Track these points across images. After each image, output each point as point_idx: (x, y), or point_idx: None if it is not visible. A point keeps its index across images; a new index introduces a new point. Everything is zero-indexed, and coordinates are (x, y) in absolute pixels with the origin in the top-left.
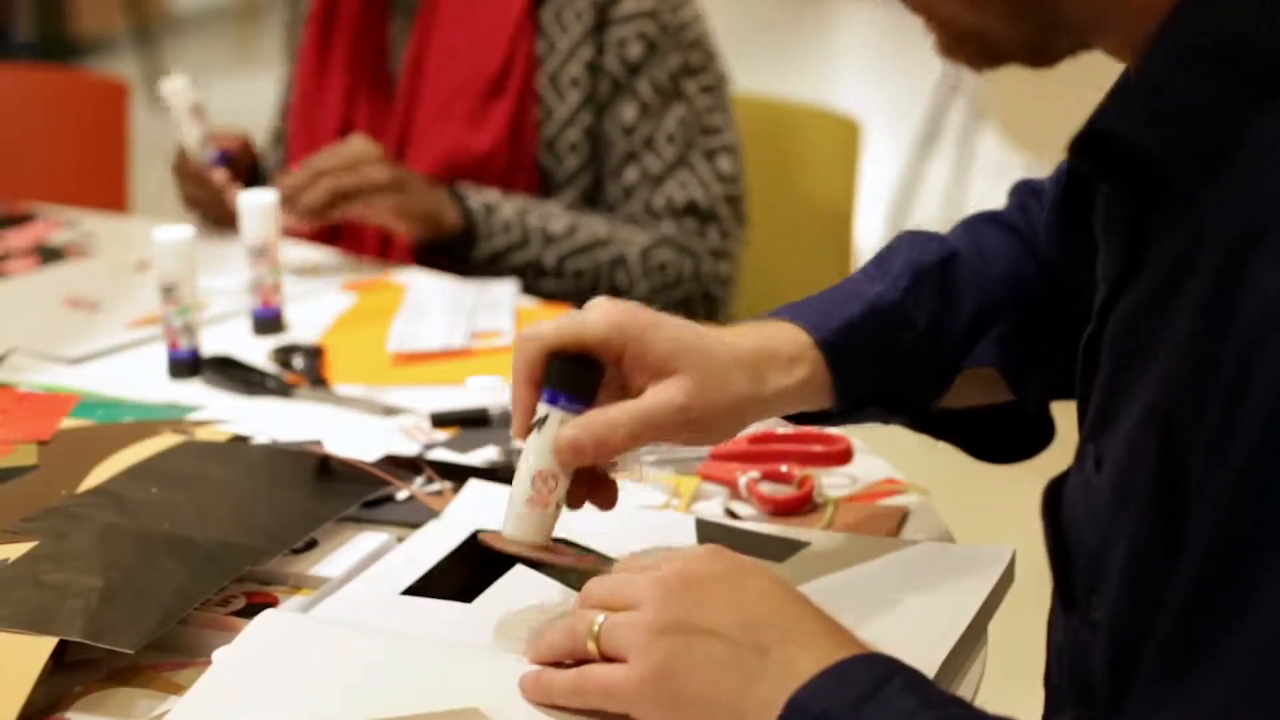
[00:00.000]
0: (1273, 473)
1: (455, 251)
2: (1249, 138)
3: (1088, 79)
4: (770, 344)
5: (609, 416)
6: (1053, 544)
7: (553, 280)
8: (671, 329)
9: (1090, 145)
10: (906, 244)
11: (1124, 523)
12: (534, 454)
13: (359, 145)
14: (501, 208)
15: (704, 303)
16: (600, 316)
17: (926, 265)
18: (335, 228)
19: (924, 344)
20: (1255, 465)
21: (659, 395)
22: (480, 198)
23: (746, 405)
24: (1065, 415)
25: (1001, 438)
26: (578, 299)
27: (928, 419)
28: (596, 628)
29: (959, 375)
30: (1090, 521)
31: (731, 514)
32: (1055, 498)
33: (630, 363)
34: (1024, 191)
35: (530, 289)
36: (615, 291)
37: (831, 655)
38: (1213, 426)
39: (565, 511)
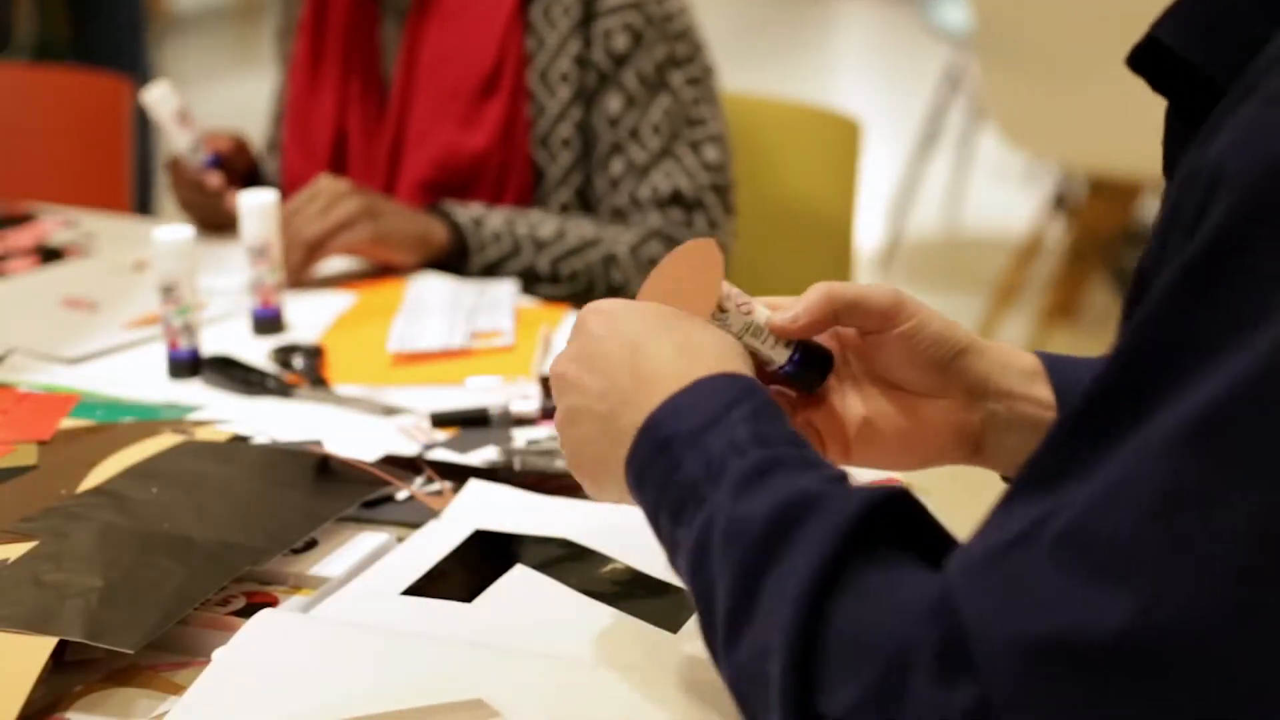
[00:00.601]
0: (1178, 310)
1: (449, 268)
2: None
3: (1088, 79)
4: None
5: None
6: None
7: (549, 285)
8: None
9: (1147, 55)
10: None
11: None
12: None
13: (323, 184)
14: (489, 219)
15: None
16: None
17: None
18: None
19: None
20: (1165, 301)
21: (867, 286)
22: (466, 212)
23: (961, 335)
24: None
25: None
26: (575, 301)
27: None
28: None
29: None
30: None
31: None
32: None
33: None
34: None
35: (528, 294)
36: (611, 289)
37: (682, 380)
38: (1171, 251)
39: (561, 512)
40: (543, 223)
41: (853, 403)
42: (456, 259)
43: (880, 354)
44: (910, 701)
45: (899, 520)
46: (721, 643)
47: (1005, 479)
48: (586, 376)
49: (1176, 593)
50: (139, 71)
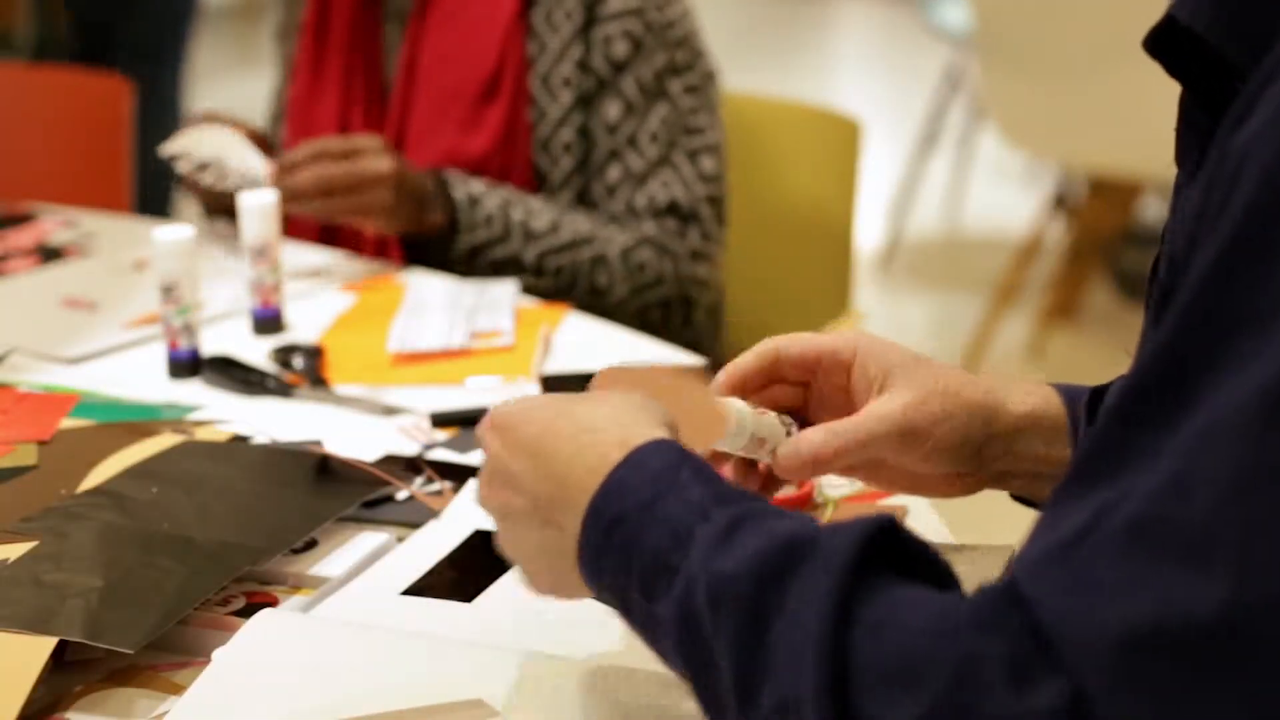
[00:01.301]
0: (1222, 291)
1: (435, 243)
2: None
3: (1088, 79)
4: (1002, 377)
5: (821, 432)
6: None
7: (531, 277)
8: (894, 350)
9: (1165, 38)
10: None
11: None
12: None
13: (363, 137)
14: (485, 200)
15: (682, 305)
16: (836, 334)
17: None
18: (335, 228)
19: None
20: (1207, 284)
21: (873, 409)
22: (465, 188)
23: (974, 416)
24: None
25: None
26: (556, 296)
27: None
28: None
29: None
30: None
31: None
32: (1097, 398)
33: (855, 377)
34: None
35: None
36: (595, 291)
37: (605, 463)
38: (1202, 236)
39: None
40: (540, 213)
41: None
42: (444, 235)
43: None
44: (985, 714)
45: (891, 548)
46: (736, 709)
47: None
48: (508, 496)
49: (1267, 571)
50: (176, 65)
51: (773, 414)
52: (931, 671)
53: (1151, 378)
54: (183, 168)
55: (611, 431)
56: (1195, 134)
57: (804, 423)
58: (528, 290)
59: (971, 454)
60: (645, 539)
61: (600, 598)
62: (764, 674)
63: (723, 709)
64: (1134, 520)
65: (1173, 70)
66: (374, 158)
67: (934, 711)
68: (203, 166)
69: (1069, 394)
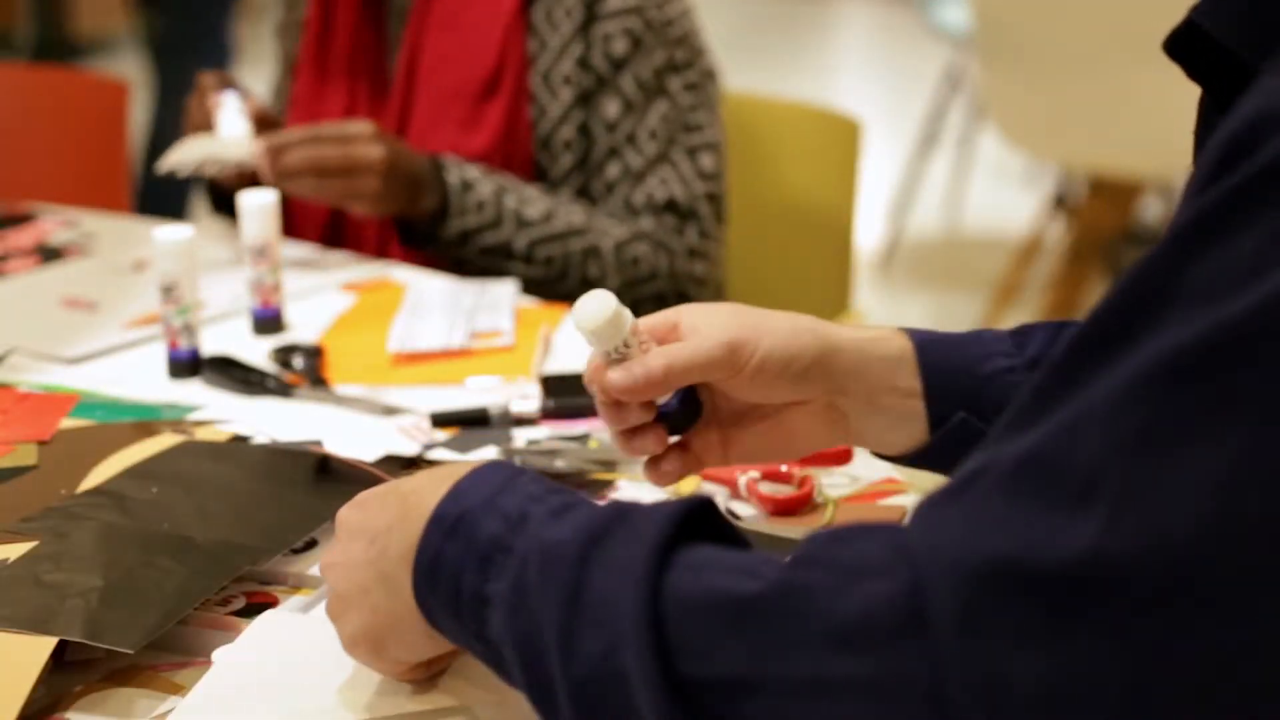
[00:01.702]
0: (1166, 266)
1: (424, 227)
2: None
3: (1088, 79)
4: (853, 321)
5: (649, 357)
6: None
7: (521, 265)
8: (723, 305)
9: (1185, 41)
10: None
11: None
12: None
13: (356, 124)
14: (479, 186)
15: (677, 300)
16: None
17: (1042, 325)
18: (336, 228)
19: (1023, 373)
20: (1155, 257)
21: (701, 331)
22: (460, 172)
23: (799, 332)
24: None
25: None
26: (546, 286)
27: None
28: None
29: None
30: None
31: (732, 514)
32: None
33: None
34: None
35: (498, 270)
36: (586, 282)
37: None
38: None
39: None
40: (535, 201)
41: (724, 432)
42: (434, 219)
43: (735, 391)
44: (806, 622)
45: (709, 526)
46: (559, 664)
47: (879, 455)
48: (351, 548)
49: (1140, 522)
50: (222, 54)
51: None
52: (754, 597)
53: (1089, 330)
54: (183, 173)
55: (445, 476)
56: (1210, 134)
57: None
58: (520, 279)
59: (801, 372)
60: (482, 527)
61: (431, 611)
62: (585, 622)
63: (548, 681)
64: (1020, 458)
65: (1192, 73)
66: (365, 144)
67: (758, 631)
68: (200, 165)
69: (921, 335)
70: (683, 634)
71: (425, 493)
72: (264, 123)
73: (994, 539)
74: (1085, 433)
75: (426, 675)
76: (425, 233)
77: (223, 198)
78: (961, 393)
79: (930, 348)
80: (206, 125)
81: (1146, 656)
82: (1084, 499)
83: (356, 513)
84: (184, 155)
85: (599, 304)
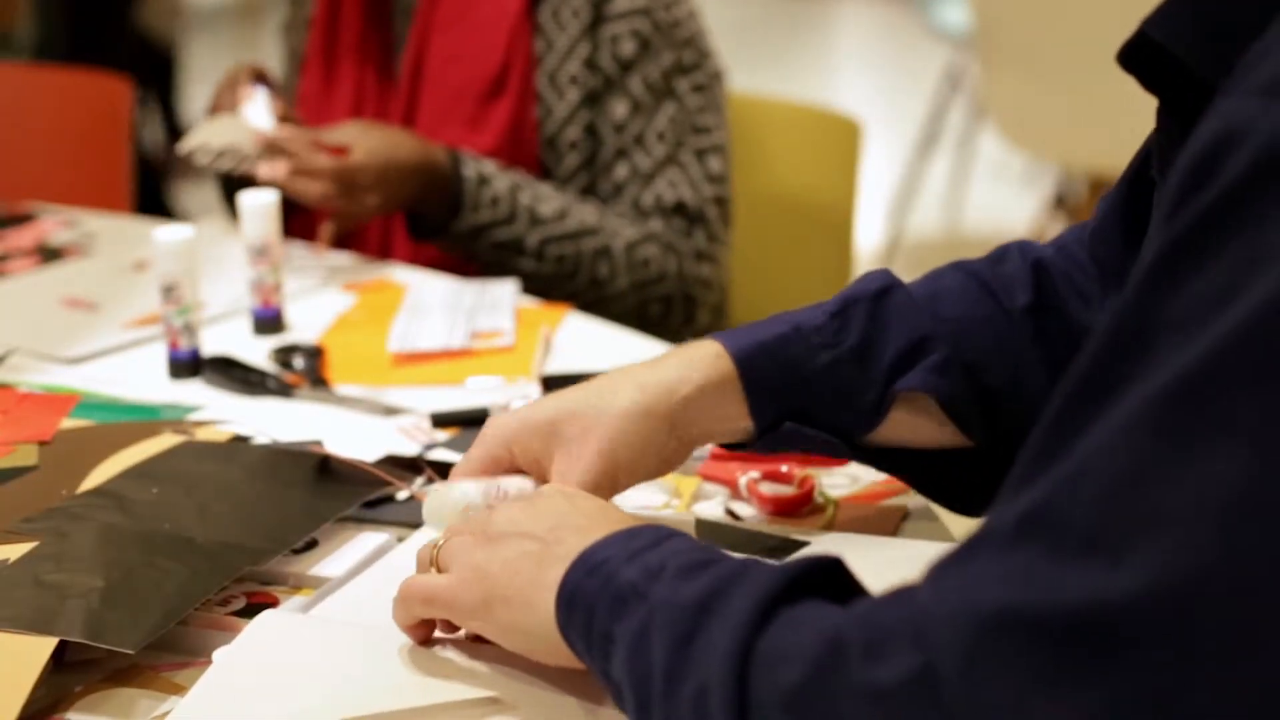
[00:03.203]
0: (1146, 301)
1: (436, 220)
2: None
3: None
4: (665, 357)
5: None
6: None
7: (532, 261)
8: (539, 416)
9: (1138, 53)
10: (853, 282)
11: None
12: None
13: (360, 161)
14: (495, 181)
15: (684, 303)
16: (481, 441)
17: (859, 294)
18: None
19: (848, 364)
20: (1137, 293)
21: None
22: (476, 167)
23: (641, 415)
24: None
25: (962, 482)
26: (558, 284)
27: (873, 451)
28: (435, 550)
29: (895, 403)
30: None
31: (732, 514)
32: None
33: (529, 466)
34: (1010, 246)
35: (508, 266)
36: (596, 282)
37: (615, 527)
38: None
39: None
40: (549, 199)
41: None
42: (448, 213)
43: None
44: (842, 684)
45: (830, 584)
46: (660, 705)
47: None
48: (526, 516)
49: (1140, 566)
50: None
51: (506, 478)
52: (807, 648)
53: (1079, 378)
54: (201, 160)
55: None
56: (1171, 146)
57: None
58: (529, 276)
59: (662, 452)
60: (622, 574)
61: (564, 634)
62: (688, 668)
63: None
64: (1025, 512)
65: (1146, 83)
66: (362, 194)
67: (803, 680)
68: (220, 155)
69: (740, 348)
70: (757, 677)
71: (575, 547)
72: (287, 123)
73: (995, 591)
74: (1082, 482)
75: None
76: (436, 226)
77: (233, 189)
78: (786, 400)
79: (749, 363)
80: (229, 111)
81: (1155, 701)
82: (1084, 547)
83: (512, 523)
84: (205, 137)
85: (444, 503)
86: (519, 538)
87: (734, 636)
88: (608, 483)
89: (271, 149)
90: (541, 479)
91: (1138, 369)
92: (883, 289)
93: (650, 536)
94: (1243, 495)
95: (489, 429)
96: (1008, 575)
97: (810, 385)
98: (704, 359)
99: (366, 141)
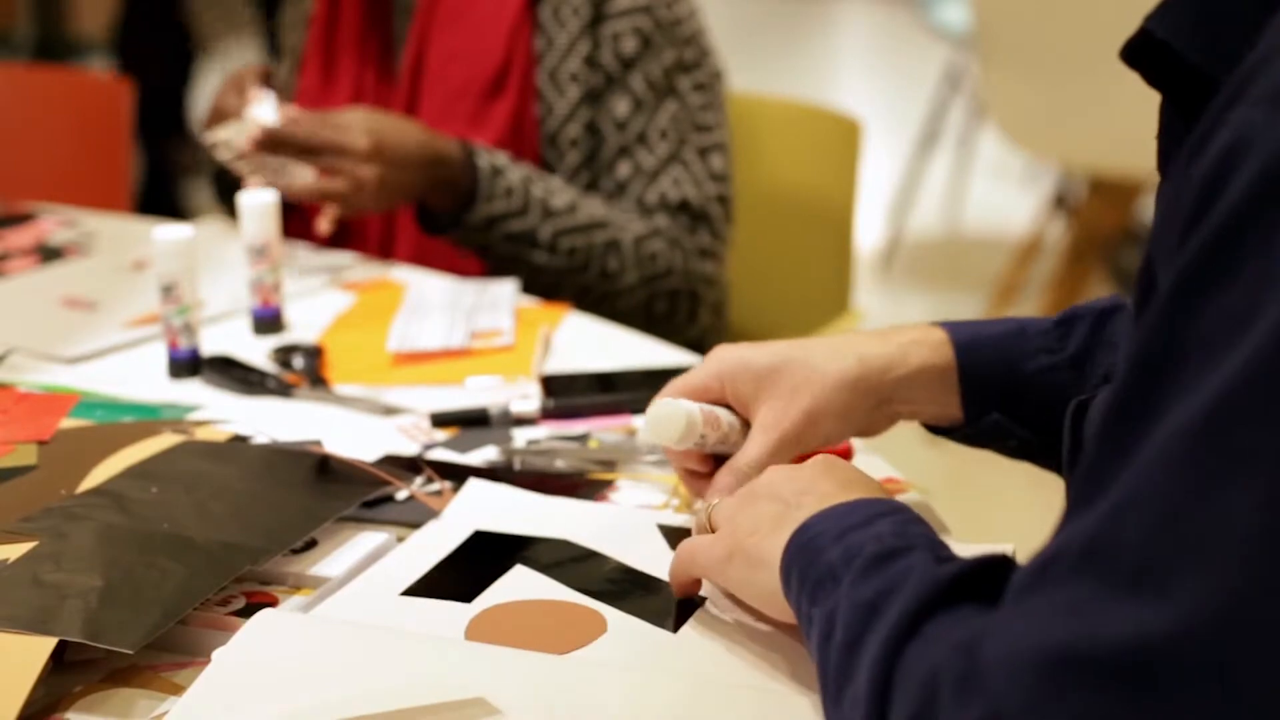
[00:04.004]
0: (1175, 319)
1: (449, 211)
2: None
3: (1088, 79)
4: (890, 332)
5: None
6: (1070, 456)
7: (544, 253)
8: (760, 360)
9: (1141, 49)
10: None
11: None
12: None
13: (356, 136)
14: (508, 173)
15: (688, 299)
16: (702, 367)
17: (1088, 309)
18: (340, 227)
19: (1064, 371)
20: (1165, 311)
21: (754, 434)
22: (490, 158)
23: (853, 385)
24: None
25: None
26: (568, 277)
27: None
28: (710, 510)
29: None
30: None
31: None
32: (1080, 413)
33: (736, 404)
34: None
35: (519, 258)
36: (605, 275)
37: (852, 497)
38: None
39: (561, 512)
40: (560, 192)
41: None
42: (463, 203)
43: None
44: None
45: (993, 581)
46: (831, 704)
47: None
48: (783, 478)
49: (1184, 599)
50: None
51: (721, 410)
52: (924, 676)
53: (1119, 401)
54: (222, 155)
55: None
56: (1175, 143)
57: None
58: (541, 269)
59: (858, 429)
60: (825, 554)
61: (786, 593)
62: (848, 681)
63: (829, 713)
64: (1082, 549)
65: (1150, 79)
66: (357, 162)
67: (910, 715)
68: (240, 156)
69: (962, 335)
70: (893, 707)
71: (825, 499)
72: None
73: (1049, 630)
74: (1129, 514)
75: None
76: (450, 217)
77: (229, 189)
78: (998, 394)
79: (970, 351)
80: (235, 114)
81: None
82: (1134, 582)
83: (773, 486)
84: (230, 134)
85: (670, 416)
86: (769, 499)
87: (883, 647)
88: (804, 441)
89: (274, 142)
90: (745, 418)
91: (1171, 391)
92: (1111, 307)
93: (864, 513)
94: (1275, 521)
95: (712, 357)
96: (1063, 614)
97: (1024, 384)
98: (928, 343)
99: (366, 117)
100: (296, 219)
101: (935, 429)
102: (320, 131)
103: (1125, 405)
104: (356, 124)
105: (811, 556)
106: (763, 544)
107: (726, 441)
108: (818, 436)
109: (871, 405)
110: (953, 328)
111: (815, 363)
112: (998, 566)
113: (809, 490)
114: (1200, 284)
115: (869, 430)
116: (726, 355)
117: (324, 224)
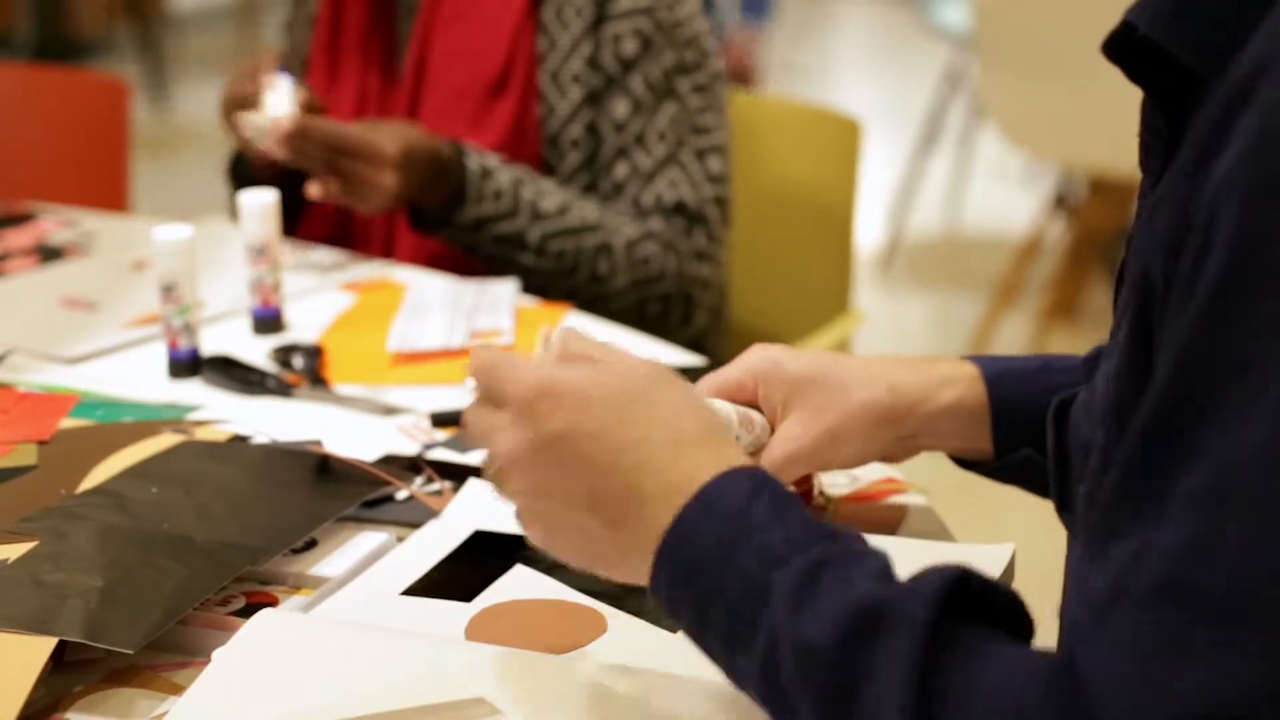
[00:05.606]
0: (1212, 336)
1: (438, 211)
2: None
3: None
4: (924, 363)
5: None
6: (1055, 454)
7: (532, 256)
8: (794, 369)
9: (1123, 43)
10: None
11: (1104, 391)
12: None
13: (384, 142)
14: (498, 175)
15: (683, 302)
16: (738, 364)
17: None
18: (343, 225)
19: None
20: (1198, 329)
21: (774, 442)
22: (480, 160)
23: (881, 416)
24: None
25: None
26: (556, 278)
27: None
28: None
29: None
30: (1087, 416)
31: None
32: (1063, 411)
33: (764, 405)
34: None
35: (508, 260)
36: (596, 279)
37: (681, 495)
38: (1184, 271)
39: None
40: (551, 194)
41: None
42: (451, 205)
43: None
44: None
45: (969, 598)
46: None
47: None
48: (558, 478)
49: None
50: None
51: (754, 412)
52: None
53: (1155, 425)
54: (260, 141)
55: (679, 458)
56: (1157, 139)
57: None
58: (529, 271)
59: (880, 455)
60: (724, 589)
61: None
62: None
63: None
64: (1162, 585)
65: (1132, 75)
66: (381, 169)
67: None
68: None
69: (992, 370)
70: None
71: (649, 492)
72: (312, 113)
73: (1174, 688)
74: (1211, 547)
75: None
76: (439, 218)
77: (246, 178)
78: (1028, 429)
79: (999, 384)
80: (251, 102)
81: None
82: (1235, 622)
83: (570, 440)
84: (262, 120)
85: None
86: (566, 526)
87: (908, 688)
88: (822, 459)
89: (295, 136)
90: (771, 421)
91: (1221, 413)
92: None
93: (724, 510)
94: None
95: (749, 357)
96: (1173, 664)
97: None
98: (961, 380)
99: (385, 129)
100: (300, 219)
101: (962, 462)
102: (351, 131)
103: (1163, 423)
104: (379, 132)
105: (700, 590)
106: (616, 569)
107: (758, 444)
108: (837, 458)
109: (896, 436)
110: (983, 362)
111: (847, 384)
112: (963, 579)
113: (609, 491)
114: (1241, 294)
115: (890, 458)
116: (763, 356)
117: (315, 189)
